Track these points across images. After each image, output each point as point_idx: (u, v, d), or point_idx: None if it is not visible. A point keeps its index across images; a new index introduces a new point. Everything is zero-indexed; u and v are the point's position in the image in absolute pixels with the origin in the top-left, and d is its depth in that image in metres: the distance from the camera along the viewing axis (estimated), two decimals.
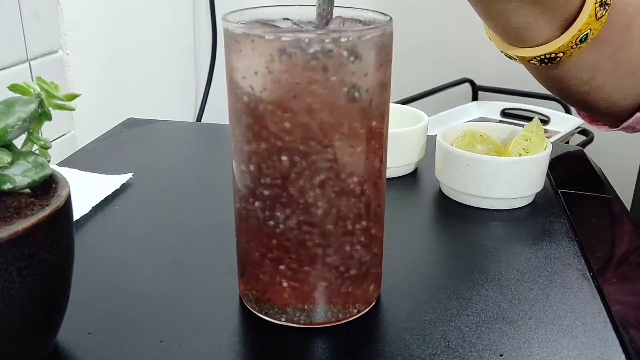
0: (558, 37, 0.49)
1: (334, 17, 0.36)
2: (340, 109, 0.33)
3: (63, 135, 0.77)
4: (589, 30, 0.48)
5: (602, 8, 0.48)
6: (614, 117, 0.59)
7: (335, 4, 0.35)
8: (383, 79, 0.35)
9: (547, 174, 0.57)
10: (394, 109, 0.60)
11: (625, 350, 0.35)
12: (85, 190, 0.53)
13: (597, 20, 0.48)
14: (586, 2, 0.48)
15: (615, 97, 0.56)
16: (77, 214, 0.49)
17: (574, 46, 0.49)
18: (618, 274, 0.45)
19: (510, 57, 0.54)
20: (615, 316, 0.38)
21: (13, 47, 0.66)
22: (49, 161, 0.33)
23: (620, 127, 0.59)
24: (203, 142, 0.72)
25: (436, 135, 0.56)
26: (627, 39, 0.52)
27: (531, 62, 0.52)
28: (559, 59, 0.50)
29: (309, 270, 0.36)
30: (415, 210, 0.54)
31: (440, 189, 0.56)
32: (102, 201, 0.52)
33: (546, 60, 0.51)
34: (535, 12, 0.48)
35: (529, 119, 0.60)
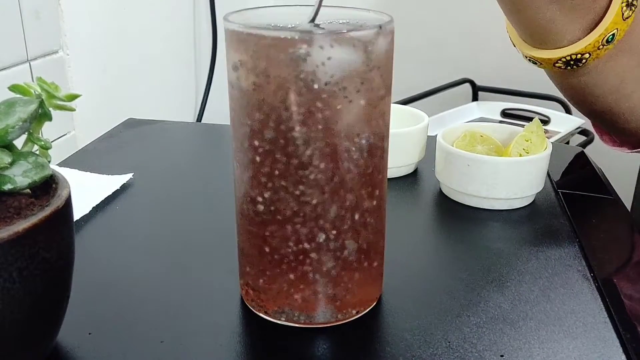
0: (583, 38, 0.49)
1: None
2: (342, 108, 0.33)
3: (63, 135, 0.76)
4: (615, 31, 0.48)
5: (628, 8, 0.48)
6: (638, 137, 0.58)
7: (335, 4, 0.35)
8: (384, 78, 0.35)
9: (548, 175, 0.57)
10: (395, 110, 0.60)
11: (626, 351, 0.35)
12: (86, 191, 0.53)
13: (624, 20, 0.48)
14: (613, 1, 0.48)
15: None
16: (77, 214, 0.49)
17: (601, 47, 0.49)
18: (619, 275, 0.45)
19: (534, 62, 0.53)
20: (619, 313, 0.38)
21: (13, 47, 0.66)
22: (49, 161, 0.33)
23: None
24: (203, 142, 0.72)
25: (436, 135, 0.56)
26: None
27: (556, 64, 0.51)
28: (584, 60, 0.50)
29: (310, 270, 0.35)
30: (416, 210, 0.54)
31: (440, 189, 0.56)
32: (102, 201, 0.52)
33: (572, 63, 0.50)
34: (563, 7, 0.48)
35: (529, 119, 0.60)
